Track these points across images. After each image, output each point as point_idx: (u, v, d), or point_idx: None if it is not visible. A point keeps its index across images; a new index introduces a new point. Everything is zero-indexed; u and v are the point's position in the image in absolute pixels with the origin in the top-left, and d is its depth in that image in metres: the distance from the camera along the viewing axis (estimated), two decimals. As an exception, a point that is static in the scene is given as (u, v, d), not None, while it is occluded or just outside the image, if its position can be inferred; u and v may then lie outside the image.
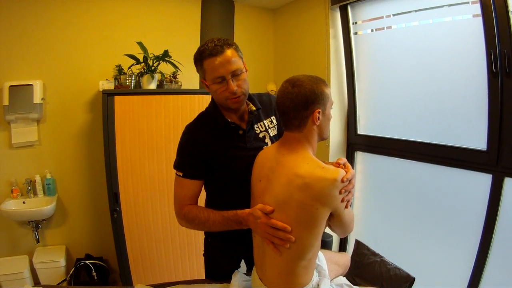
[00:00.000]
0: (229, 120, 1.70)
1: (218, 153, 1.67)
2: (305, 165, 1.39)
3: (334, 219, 1.44)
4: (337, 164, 1.45)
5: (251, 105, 1.77)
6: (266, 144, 1.80)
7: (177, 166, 1.71)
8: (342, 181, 1.34)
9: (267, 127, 1.84)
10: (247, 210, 1.55)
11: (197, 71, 1.68)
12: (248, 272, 1.87)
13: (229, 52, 1.58)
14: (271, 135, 1.84)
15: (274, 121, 1.89)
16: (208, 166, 1.69)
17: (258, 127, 1.81)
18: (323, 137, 1.56)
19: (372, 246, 2.43)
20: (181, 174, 1.68)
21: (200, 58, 1.60)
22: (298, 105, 1.42)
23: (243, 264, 1.98)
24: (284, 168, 1.44)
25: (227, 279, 1.89)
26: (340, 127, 3.46)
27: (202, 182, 1.75)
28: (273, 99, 1.91)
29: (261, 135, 1.80)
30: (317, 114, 1.44)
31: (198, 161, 1.67)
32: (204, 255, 2.02)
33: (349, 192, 1.40)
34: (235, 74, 1.60)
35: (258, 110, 1.79)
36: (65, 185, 3.42)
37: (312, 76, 1.47)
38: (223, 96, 1.62)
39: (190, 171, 1.68)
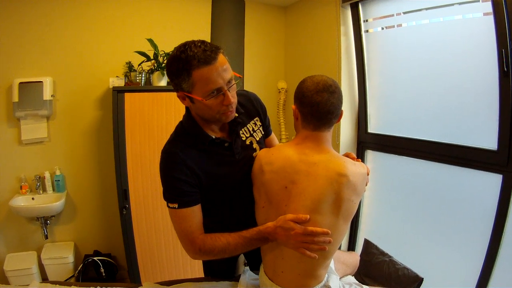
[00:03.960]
0: (214, 136, 1.50)
1: (207, 174, 1.48)
2: (344, 163, 1.40)
3: None
4: (354, 158, 1.54)
5: None
6: (255, 150, 1.63)
7: (168, 198, 1.46)
8: (368, 173, 1.49)
9: (252, 131, 1.66)
10: (270, 224, 1.41)
11: (178, 82, 1.37)
12: (255, 271, 1.84)
13: (221, 58, 1.35)
14: (257, 139, 1.67)
15: (258, 123, 1.70)
16: (199, 189, 1.49)
17: (243, 133, 1.61)
18: None
19: (381, 246, 2.43)
20: (175, 206, 1.44)
21: (187, 68, 1.31)
22: (340, 104, 1.46)
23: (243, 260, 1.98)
24: (320, 168, 1.39)
25: (227, 273, 1.92)
26: (351, 126, 3.44)
27: (200, 204, 1.51)
28: (253, 97, 1.72)
29: (247, 142, 1.62)
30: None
31: (188, 185, 1.44)
32: None
33: None
34: (230, 84, 1.39)
35: (241, 115, 1.60)
36: (74, 181, 3.45)
37: None
38: (216, 110, 1.40)
39: (184, 200, 1.44)
